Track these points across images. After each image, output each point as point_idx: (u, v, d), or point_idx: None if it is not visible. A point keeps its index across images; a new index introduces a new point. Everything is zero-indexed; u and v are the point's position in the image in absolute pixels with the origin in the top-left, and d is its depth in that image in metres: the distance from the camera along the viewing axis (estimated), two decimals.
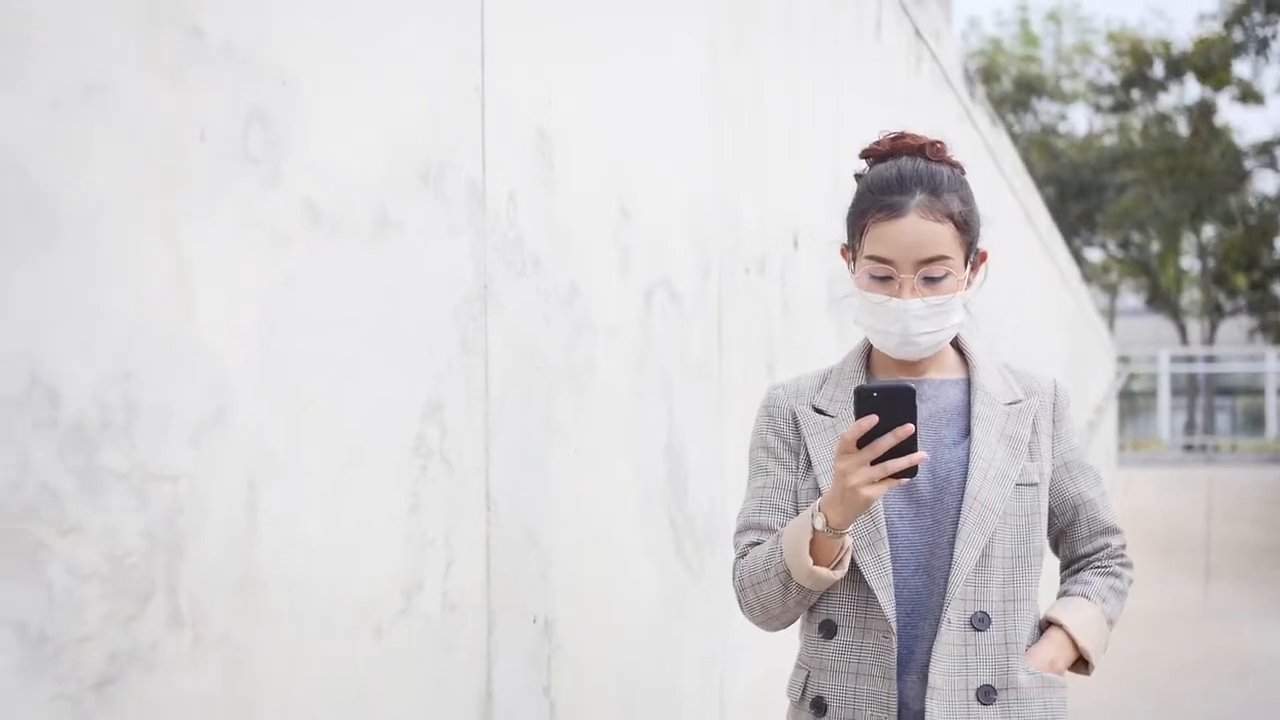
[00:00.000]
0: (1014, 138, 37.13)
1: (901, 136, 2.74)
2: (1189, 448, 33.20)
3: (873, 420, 2.37)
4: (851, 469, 2.41)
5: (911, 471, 2.41)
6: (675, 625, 3.55)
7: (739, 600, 2.72)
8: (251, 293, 2.00)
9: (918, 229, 2.60)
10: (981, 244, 2.75)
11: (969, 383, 2.76)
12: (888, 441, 2.37)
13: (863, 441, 2.39)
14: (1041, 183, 34.57)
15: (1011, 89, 42.99)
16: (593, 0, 3.10)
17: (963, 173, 2.75)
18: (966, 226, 2.67)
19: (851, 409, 2.61)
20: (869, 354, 2.79)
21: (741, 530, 2.75)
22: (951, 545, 2.62)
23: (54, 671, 1.66)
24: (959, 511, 2.63)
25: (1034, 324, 12.62)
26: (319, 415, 2.15)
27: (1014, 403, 2.75)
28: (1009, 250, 10.54)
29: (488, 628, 2.63)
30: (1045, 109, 44.85)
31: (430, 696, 2.46)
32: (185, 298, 1.87)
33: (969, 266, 2.71)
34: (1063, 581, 2.87)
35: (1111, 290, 46.72)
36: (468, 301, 2.55)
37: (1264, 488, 21.00)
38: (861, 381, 2.69)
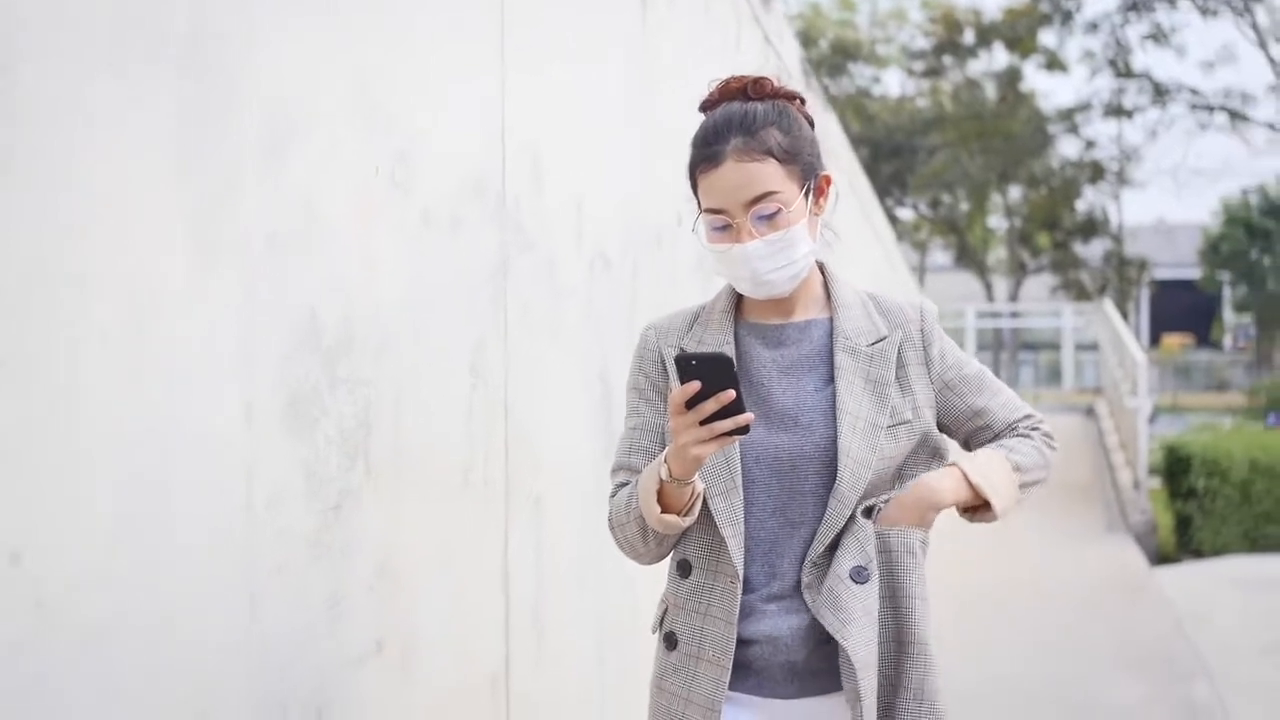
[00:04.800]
0: (830, 100, 38.18)
1: (727, 82, 2.77)
2: None
3: (695, 386, 2.42)
4: (681, 429, 2.46)
5: (743, 430, 2.46)
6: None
7: (612, 537, 2.86)
8: (399, 268, 3.15)
9: (737, 173, 2.62)
10: (828, 168, 2.81)
11: (833, 323, 2.77)
12: (711, 406, 2.43)
13: (692, 404, 2.45)
14: (855, 144, 35.79)
15: (828, 52, 44.00)
16: (563, 68, 4.26)
17: (797, 102, 2.77)
18: (791, 156, 2.65)
19: (717, 350, 2.73)
20: (738, 293, 2.82)
21: (614, 470, 2.87)
22: (816, 493, 2.67)
23: (317, 495, 2.81)
24: (822, 459, 2.66)
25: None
26: (425, 346, 3.29)
27: (877, 341, 2.75)
28: (835, 217, 11.84)
29: (505, 500, 3.78)
30: (860, 72, 45.80)
31: (478, 540, 3.62)
32: (371, 273, 3.02)
33: (807, 194, 2.70)
34: None
35: (921, 248, 48.08)
36: (496, 272, 3.70)
37: (1059, 434, 22.46)
38: (729, 325, 2.80)
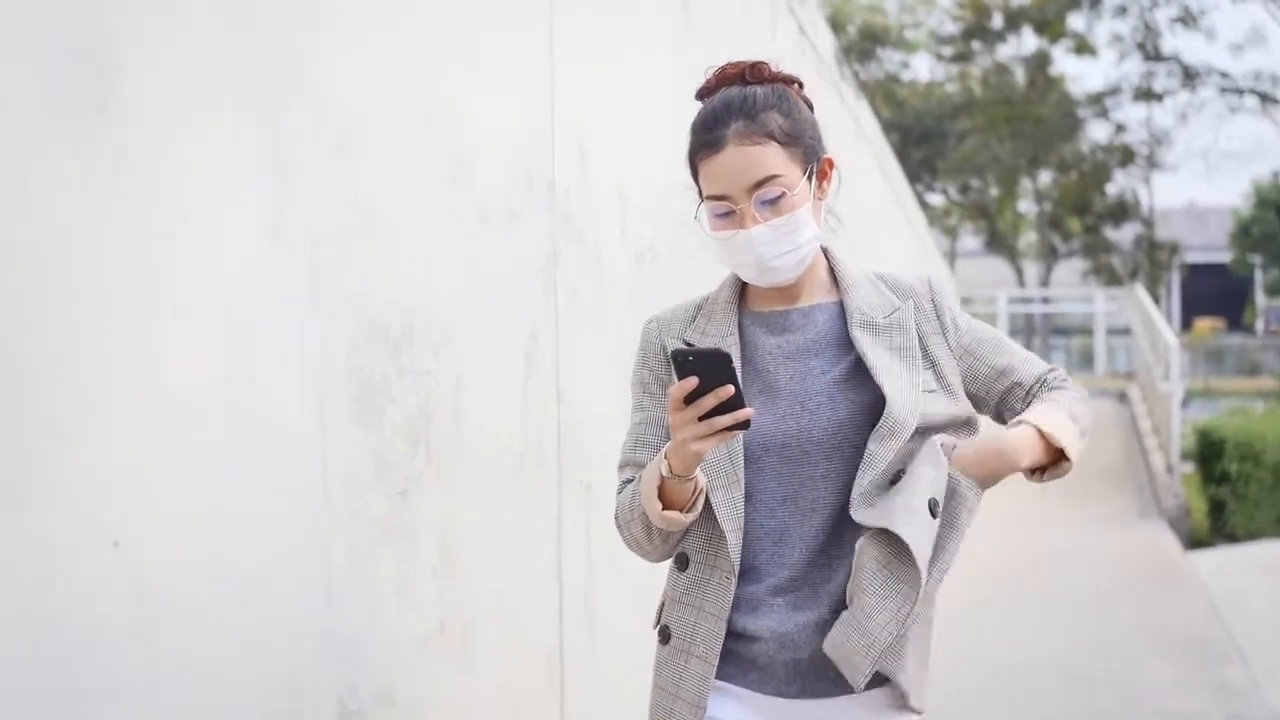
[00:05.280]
0: (860, 85, 37.88)
1: (724, 69, 2.69)
2: None
3: (693, 382, 2.35)
4: (679, 424, 2.39)
5: (744, 425, 2.38)
6: None
7: (619, 536, 2.77)
8: (456, 261, 3.25)
9: (738, 157, 2.55)
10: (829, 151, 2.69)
11: (841, 306, 2.70)
12: (709, 402, 2.35)
13: (691, 399, 2.37)
14: (885, 129, 35.67)
15: (857, 38, 43.88)
16: (608, 64, 4.36)
17: (796, 86, 2.70)
18: (792, 139, 2.58)
19: (721, 343, 2.67)
20: (742, 283, 2.74)
21: (620, 466, 2.79)
22: (828, 479, 2.59)
23: (385, 480, 2.92)
24: (831, 444, 2.59)
25: (885, 265, 13.99)
26: (482, 336, 3.39)
27: (892, 313, 2.68)
28: (868, 204, 11.95)
29: (559, 486, 3.88)
30: (889, 57, 45.66)
31: (533, 524, 3.73)
32: (430, 266, 3.13)
33: (810, 177, 2.62)
34: None
35: (952, 233, 47.95)
36: (547, 261, 3.80)
37: (1093, 418, 22.51)
38: (733, 314, 2.71)
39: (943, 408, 2.63)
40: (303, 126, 2.63)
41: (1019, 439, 2.60)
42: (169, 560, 2.25)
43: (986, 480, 2.60)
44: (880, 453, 2.53)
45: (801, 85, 2.70)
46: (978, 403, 2.76)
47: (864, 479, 2.53)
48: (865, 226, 11.49)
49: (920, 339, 2.67)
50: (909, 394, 2.57)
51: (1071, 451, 2.62)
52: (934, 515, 2.50)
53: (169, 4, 2.27)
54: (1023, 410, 2.71)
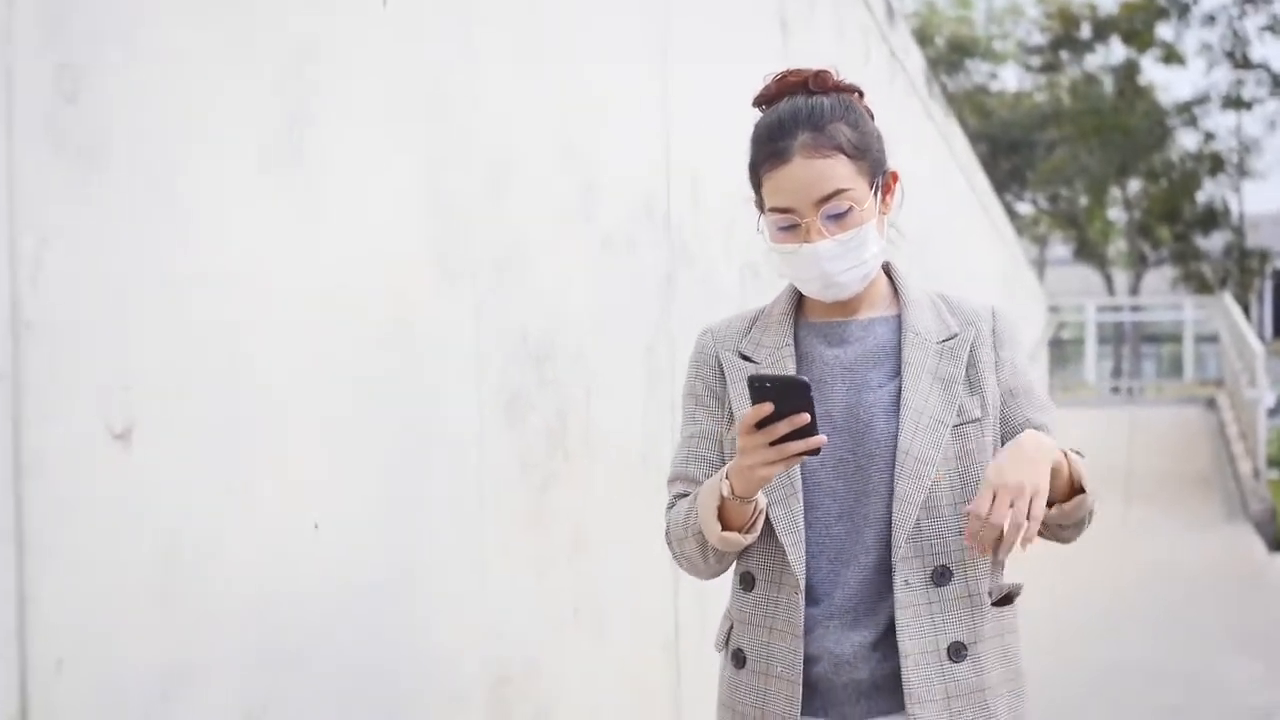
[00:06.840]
0: (948, 97, 37.71)
1: (785, 76, 2.61)
2: (1115, 390, 34.63)
3: (767, 408, 2.29)
4: (749, 449, 2.34)
5: (814, 451, 2.33)
6: None
7: (670, 552, 2.76)
8: (587, 285, 3.65)
9: (806, 170, 2.47)
10: (892, 164, 2.63)
11: (900, 320, 2.64)
12: (783, 428, 2.30)
13: (763, 424, 2.31)
14: (974, 140, 35.67)
15: (945, 50, 43.98)
16: (714, 99, 4.75)
17: (857, 95, 2.63)
18: (860, 152, 2.52)
19: (777, 354, 2.62)
20: (800, 294, 2.69)
21: (671, 480, 2.76)
22: (880, 494, 2.53)
23: (529, 476, 3.31)
24: (886, 458, 2.53)
25: (976, 278, 14.32)
26: (610, 351, 3.79)
27: (948, 339, 2.61)
28: (956, 216, 12.29)
29: None
30: (977, 68, 45.69)
31: (652, 515, 4.10)
32: (566, 290, 3.53)
33: (875, 191, 2.55)
34: None
35: (1041, 242, 47.79)
36: (664, 283, 4.19)
37: (1179, 425, 22.52)
38: (789, 326, 2.66)
39: (974, 445, 2.56)
40: (460, 165, 3.03)
41: (1040, 435, 2.47)
42: (356, 543, 2.65)
43: (1035, 477, 2.39)
44: (905, 510, 2.51)
45: (862, 95, 2.64)
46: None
47: (899, 540, 2.51)
48: (954, 237, 11.85)
49: (973, 365, 2.60)
50: (928, 438, 2.52)
51: (1090, 493, 2.53)
52: (955, 660, 2.52)
53: (347, 69, 2.66)
54: None
